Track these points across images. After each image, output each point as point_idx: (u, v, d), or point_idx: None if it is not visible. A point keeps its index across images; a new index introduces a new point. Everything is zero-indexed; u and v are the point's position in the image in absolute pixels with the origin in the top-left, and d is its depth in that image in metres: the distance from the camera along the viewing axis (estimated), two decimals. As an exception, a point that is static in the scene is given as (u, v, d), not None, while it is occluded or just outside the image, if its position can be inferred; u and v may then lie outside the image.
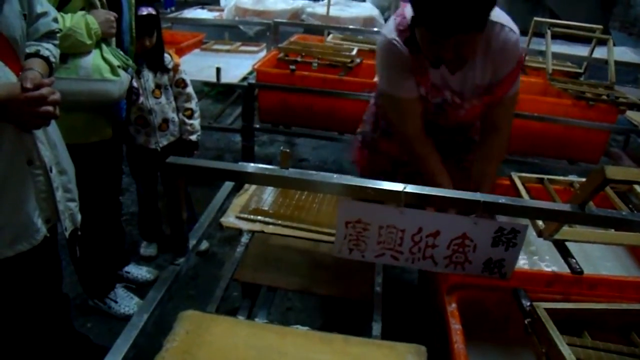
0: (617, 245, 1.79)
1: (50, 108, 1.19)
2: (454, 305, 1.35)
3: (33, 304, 1.50)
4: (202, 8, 5.74)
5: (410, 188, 1.18)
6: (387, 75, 1.66)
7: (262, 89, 3.30)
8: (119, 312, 2.26)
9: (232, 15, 5.56)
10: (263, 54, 4.04)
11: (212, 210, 1.58)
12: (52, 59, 1.35)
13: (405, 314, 1.98)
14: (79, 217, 1.51)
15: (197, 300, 2.37)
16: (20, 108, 1.15)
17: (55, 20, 1.41)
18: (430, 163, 1.68)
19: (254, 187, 1.96)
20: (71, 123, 1.72)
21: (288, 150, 1.29)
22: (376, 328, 1.35)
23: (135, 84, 2.22)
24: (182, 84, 2.44)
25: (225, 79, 3.32)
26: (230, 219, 1.77)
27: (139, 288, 2.43)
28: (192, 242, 1.40)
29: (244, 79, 3.37)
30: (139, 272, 2.51)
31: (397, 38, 1.55)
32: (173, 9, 5.28)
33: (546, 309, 1.16)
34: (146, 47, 2.23)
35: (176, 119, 2.45)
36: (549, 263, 1.72)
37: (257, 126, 3.49)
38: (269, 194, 1.93)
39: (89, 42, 1.67)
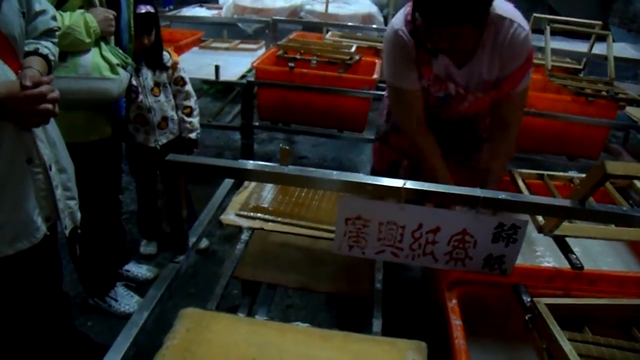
0: (618, 241, 1.79)
1: (49, 106, 1.19)
2: (454, 301, 1.34)
3: (33, 303, 1.50)
4: (201, 6, 5.72)
5: (410, 184, 1.18)
6: (391, 66, 1.68)
7: (261, 86, 3.30)
8: (119, 310, 2.26)
9: (230, 13, 5.54)
10: (262, 51, 4.04)
11: (212, 208, 1.57)
12: (51, 57, 1.35)
13: (406, 311, 1.98)
14: (78, 215, 1.51)
15: (197, 298, 2.37)
16: (19, 106, 1.15)
17: (54, 18, 1.41)
18: (430, 156, 1.69)
19: (253, 184, 1.96)
20: (71, 122, 1.72)
21: (287, 148, 1.29)
22: (376, 324, 1.35)
23: (134, 82, 2.22)
24: (181, 81, 2.44)
25: (224, 76, 3.31)
26: (230, 217, 1.77)
27: (139, 286, 2.43)
28: (192, 240, 1.40)
29: (243, 76, 3.37)
30: (139, 270, 2.51)
31: (403, 28, 1.57)
32: (171, 7, 5.25)
33: (547, 305, 1.16)
34: (145, 45, 2.22)
35: (175, 117, 2.45)
36: (549, 259, 1.72)
37: (257, 124, 3.48)
38: (268, 191, 1.93)
39: (88, 40, 1.67)
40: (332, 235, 1.35)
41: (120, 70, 1.79)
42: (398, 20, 1.60)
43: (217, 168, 1.27)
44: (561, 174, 1.86)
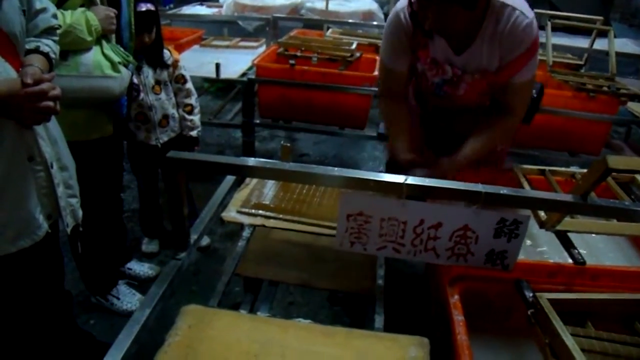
0: (620, 236, 1.79)
1: (50, 103, 1.19)
2: (456, 296, 1.34)
3: (35, 301, 1.50)
4: (201, 4, 5.72)
5: (411, 180, 1.18)
6: (386, 46, 1.73)
7: (261, 84, 3.29)
8: (121, 308, 2.27)
9: (231, 11, 5.55)
10: (262, 49, 4.03)
11: (213, 205, 1.57)
12: (52, 55, 1.35)
13: (408, 307, 1.98)
14: (80, 213, 1.51)
15: (199, 296, 2.37)
16: (20, 104, 1.15)
17: (55, 16, 1.41)
18: (393, 124, 1.78)
19: (254, 181, 1.95)
20: (72, 120, 1.72)
21: (289, 144, 1.29)
22: (379, 321, 1.35)
23: (135, 80, 2.22)
24: (181, 79, 2.44)
25: (225, 74, 3.31)
26: (231, 214, 1.77)
27: (141, 284, 2.44)
28: (194, 238, 1.40)
29: (244, 74, 3.36)
30: (141, 268, 2.52)
31: (405, 10, 1.59)
32: (172, 5, 5.26)
33: (549, 300, 1.15)
34: (145, 44, 2.22)
35: (176, 115, 2.45)
36: (551, 254, 1.72)
37: (258, 121, 3.48)
38: (270, 188, 1.93)
39: (89, 38, 1.67)
40: (333, 232, 1.35)
41: (121, 68, 1.79)
42: (402, 2, 1.63)
43: (219, 165, 1.26)
44: (563, 169, 1.86)
